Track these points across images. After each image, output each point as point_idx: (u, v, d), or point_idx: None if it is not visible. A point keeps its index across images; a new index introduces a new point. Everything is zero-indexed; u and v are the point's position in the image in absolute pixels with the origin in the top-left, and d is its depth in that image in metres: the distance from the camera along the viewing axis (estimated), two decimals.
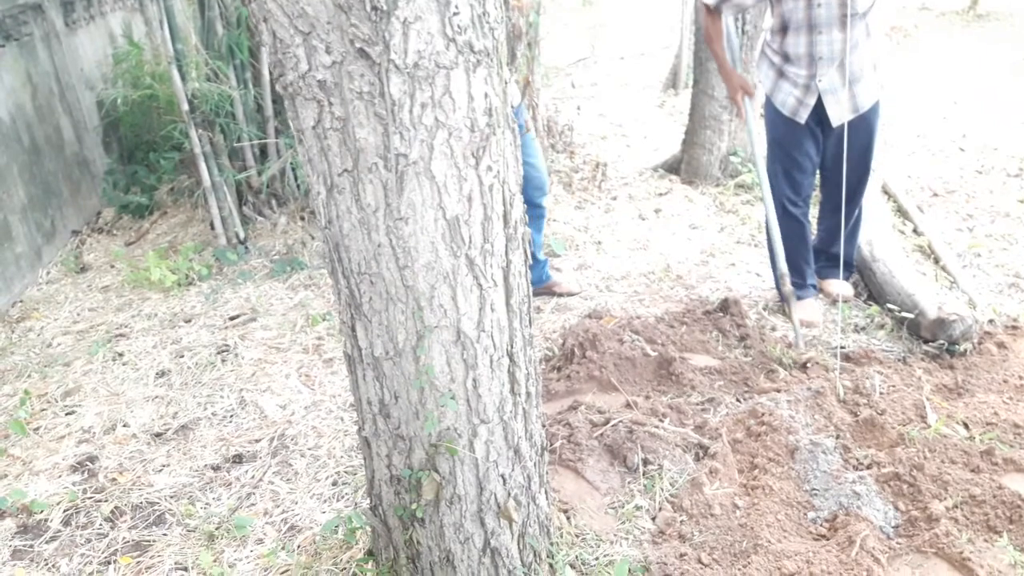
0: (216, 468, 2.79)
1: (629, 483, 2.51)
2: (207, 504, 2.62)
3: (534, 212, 3.52)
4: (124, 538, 2.49)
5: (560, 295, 3.92)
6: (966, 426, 2.66)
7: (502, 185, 1.64)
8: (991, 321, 3.32)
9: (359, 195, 1.52)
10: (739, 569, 2.12)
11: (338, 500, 2.59)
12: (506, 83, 1.59)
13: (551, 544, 2.16)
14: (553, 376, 3.13)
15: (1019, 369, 2.97)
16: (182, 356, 3.50)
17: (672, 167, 5.62)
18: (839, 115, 3.21)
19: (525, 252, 1.82)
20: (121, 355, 3.54)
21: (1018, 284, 3.73)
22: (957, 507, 2.29)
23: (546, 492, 2.13)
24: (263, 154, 4.66)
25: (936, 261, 3.96)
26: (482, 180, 1.58)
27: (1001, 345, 3.12)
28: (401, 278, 1.60)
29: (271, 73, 1.52)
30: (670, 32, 8.25)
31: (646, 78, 8.68)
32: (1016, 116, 6.38)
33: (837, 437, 2.63)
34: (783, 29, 3.16)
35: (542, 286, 3.90)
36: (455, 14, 1.42)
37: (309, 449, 2.84)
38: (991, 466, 2.43)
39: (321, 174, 1.56)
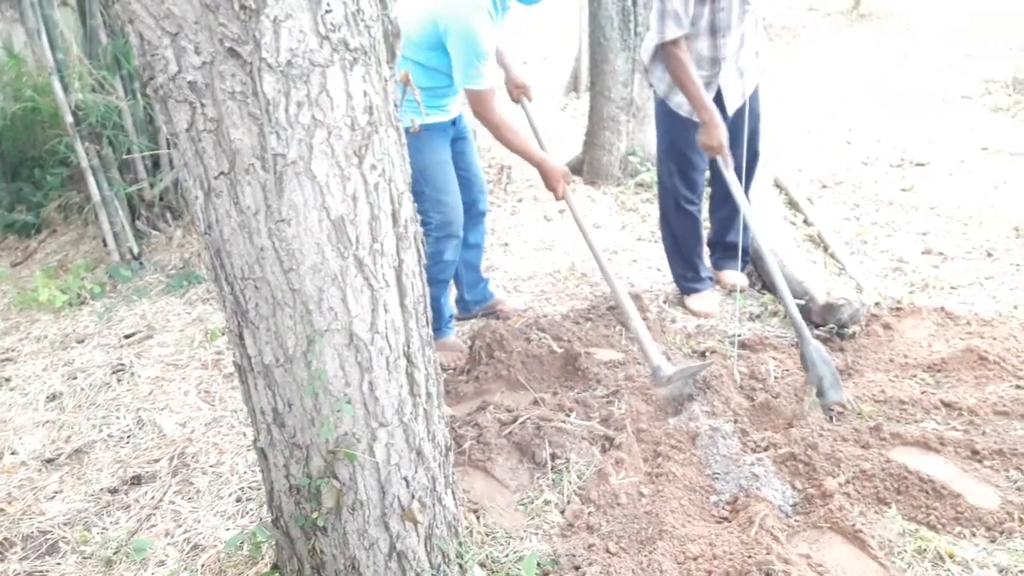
0: (113, 491, 2.68)
1: (538, 479, 2.52)
2: (104, 529, 2.51)
3: (481, 218, 3.43)
4: (15, 570, 2.36)
5: (506, 317, 3.58)
6: (856, 404, 2.78)
7: (388, 184, 1.62)
8: (877, 304, 3.48)
9: (238, 198, 1.49)
10: (645, 555, 2.16)
11: (242, 516, 2.52)
12: (387, 81, 1.58)
13: (460, 544, 2.15)
14: (462, 378, 3.12)
15: (904, 349, 3.13)
16: (75, 378, 3.35)
17: (575, 168, 5.68)
18: (733, 103, 3.33)
19: (418, 251, 1.81)
20: (8, 380, 3.36)
21: (902, 268, 3.92)
22: (849, 482, 2.39)
23: (453, 492, 2.12)
24: (155, 166, 4.51)
25: (825, 249, 4.13)
26: (367, 179, 1.56)
27: (887, 327, 3.27)
28: (287, 282, 1.57)
29: (140, 76, 1.47)
30: (570, 37, 8.36)
31: (548, 82, 8.77)
32: (898, 109, 6.72)
33: (735, 422, 2.71)
34: (689, 36, 3.23)
35: (486, 305, 3.65)
36: (327, 11, 1.40)
37: (211, 466, 2.76)
38: (879, 441, 2.55)
39: (197, 178, 1.52)
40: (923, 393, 2.81)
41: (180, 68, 1.40)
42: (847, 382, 2.93)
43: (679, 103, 3.38)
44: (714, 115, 3.14)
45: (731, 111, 3.36)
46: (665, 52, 3.18)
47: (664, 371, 2.77)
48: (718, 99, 3.34)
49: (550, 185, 3.07)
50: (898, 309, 3.42)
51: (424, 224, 2.94)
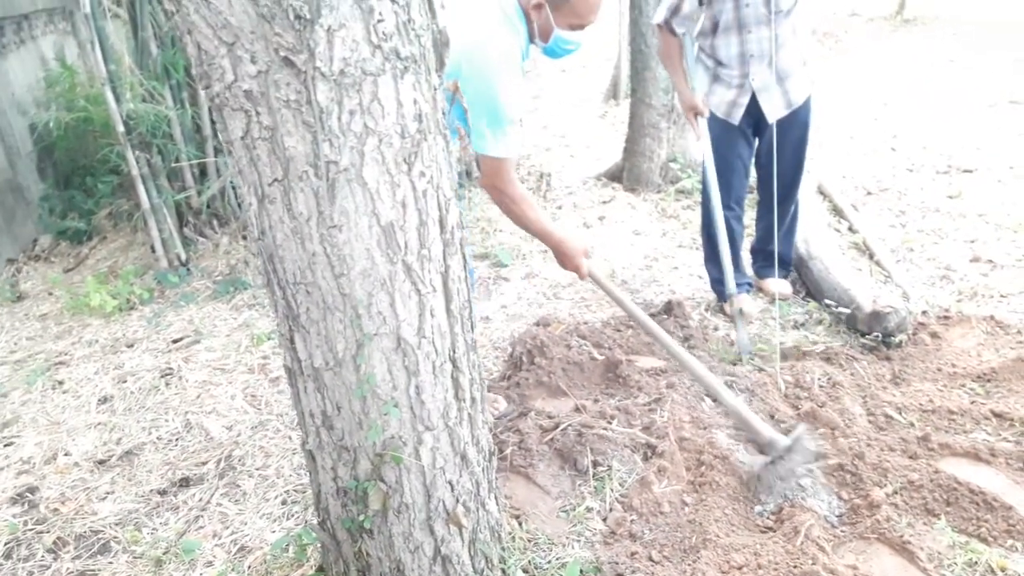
0: (163, 492, 2.73)
1: (580, 486, 2.52)
2: (154, 529, 2.56)
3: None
4: (68, 569, 2.42)
5: (546, 324, 3.53)
6: (903, 414, 2.73)
7: (436, 190, 1.64)
8: (924, 312, 3.42)
9: (291, 204, 1.52)
10: (689, 564, 2.15)
11: (288, 519, 2.56)
12: (435, 89, 1.60)
13: (503, 550, 2.16)
14: (503, 384, 3.13)
15: (952, 358, 3.07)
16: (125, 381, 3.43)
17: (614, 175, 5.69)
18: (773, 111, 3.30)
19: (463, 257, 1.83)
20: (61, 383, 3.45)
21: (949, 276, 3.85)
22: (897, 493, 2.35)
23: (496, 497, 2.13)
24: (203, 174, 4.60)
25: (871, 257, 4.07)
26: (415, 186, 1.58)
27: (934, 335, 3.22)
28: (337, 286, 1.59)
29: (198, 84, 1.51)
30: (610, 45, 8.37)
31: (587, 90, 8.79)
32: (943, 115, 6.61)
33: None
34: (713, 31, 3.25)
35: None
36: (379, 21, 1.43)
37: (257, 469, 2.80)
38: (928, 451, 2.51)
39: (252, 185, 1.56)
40: (973, 403, 2.76)
41: (236, 77, 1.43)
42: (894, 391, 2.89)
43: (716, 104, 3.38)
44: (679, 85, 3.44)
45: (771, 119, 3.33)
46: (659, 33, 3.45)
47: (779, 444, 2.45)
48: (754, 105, 3.32)
49: (572, 265, 2.67)
50: (946, 318, 3.36)
51: None
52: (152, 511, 2.65)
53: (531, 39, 2.44)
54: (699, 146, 3.48)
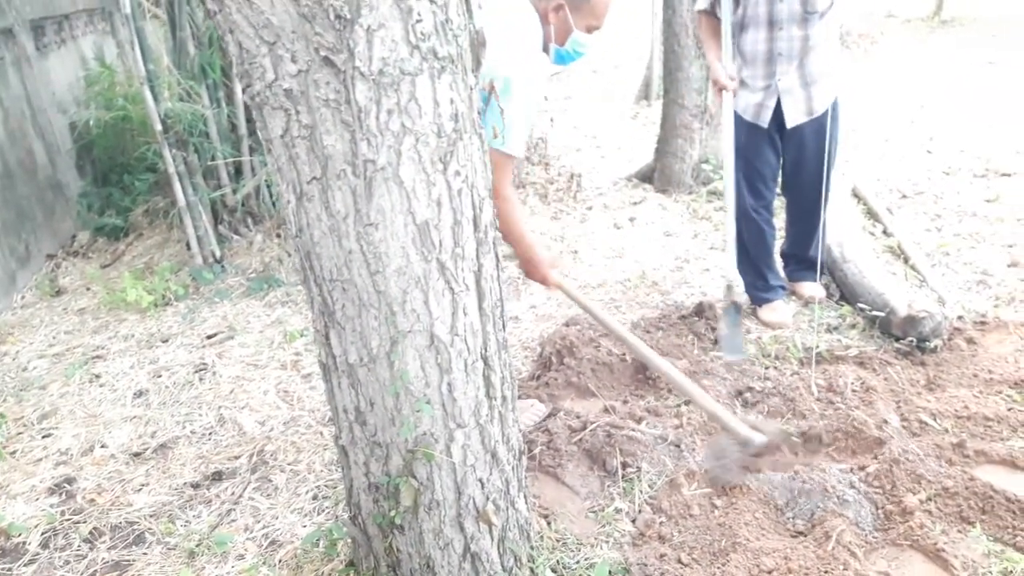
0: (196, 486, 2.77)
1: (608, 487, 2.52)
2: (187, 522, 2.60)
3: None
4: (103, 559, 2.46)
5: None
6: (938, 420, 2.70)
7: (471, 189, 1.66)
8: (960, 317, 3.37)
9: (328, 202, 1.54)
10: (718, 568, 2.14)
11: (319, 514, 2.58)
12: (471, 89, 1.61)
13: (532, 548, 2.17)
14: (532, 384, 3.14)
15: (988, 364, 3.02)
16: (160, 376, 3.48)
17: (646, 176, 5.67)
18: (795, 117, 3.27)
19: (496, 256, 1.84)
20: (98, 376, 3.51)
21: (986, 281, 3.79)
22: (931, 499, 2.32)
23: (525, 496, 2.14)
24: (238, 173, 4.66)
25: (906, 261, 4.02)
26: (450, 185, 1.60)
27: (970, 341, 3.17)
28: (373, 284, 1.61)
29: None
30: (642, 45, 8.34)
31: (619, 90, 8.78)
32: (981, 118, 6.50)
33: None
34: (742, 27, 3.22)
35: None
36: (418, 21, 1.44)
37: (289, 464, 2.83)
38: (963, 458, 2.47)
39: (290, 183, 1.58)
40: (1009, 410, 2.71)
41: (277, 76, 1.45)
42: (929, 397, 2.85)
43: (744, 107, 3.36)
44: (711, 61, 3.38)
45: (790, 124, 3.30)
46: (700, 17, 3.50)
47: (755, 441, 2.44)
48: (779, 112, 3.29)
49: (539, 274, 2.61)
50: (983, 323, 3.31)
51: None
52: (185, 504, 2.68)
53: (544, 43, 2.43)
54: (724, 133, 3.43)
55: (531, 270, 2.62)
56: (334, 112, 1.46)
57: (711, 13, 3.40)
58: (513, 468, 2.04)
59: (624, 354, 3.20)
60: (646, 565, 2.15)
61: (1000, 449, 2.48)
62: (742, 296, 3.56)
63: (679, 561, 2.18)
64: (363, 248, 1.57)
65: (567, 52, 2.46)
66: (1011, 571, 2.08)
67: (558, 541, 2.29)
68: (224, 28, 1.50)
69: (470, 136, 1.62)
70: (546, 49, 2.43)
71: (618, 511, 2.42)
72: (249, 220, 4.71)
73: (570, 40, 2.41)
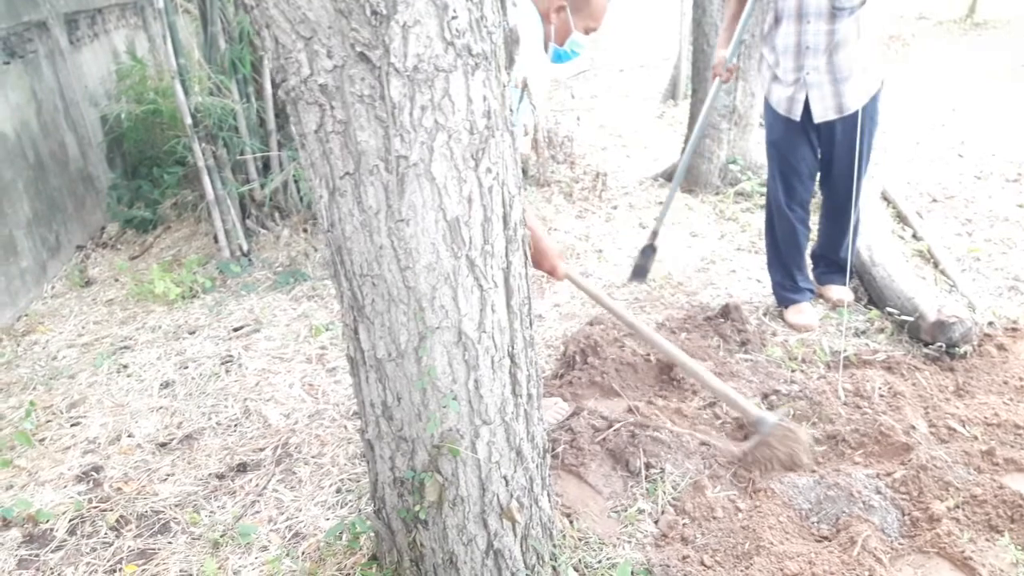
0: (221, 477, 2.80)
1: (631, 487, 2.51)
2: (212, 512, 2.63)
3: None
4: (129, 547, 2.49)
5: None
6: (967, 427, 2.67)
7: (501, 187, 1.66)
8: (991, 323, 3.33)
9: (361, 197, 1.55)
10: (741, 571, 2.13)
11: (342, 507, 2.60)
12: (504, 86, 1.61)
13: (554, 547, 2.17)
14: (556, 382, 3.14)
15: (1019, 370, 2.98)
16: (186, 367, 3.52)
17: (672, 176, 5.64)
18: (822, 112, 3.25)
19: (525, 254, 1.84)
20: (126, 367, 3.55)
21: (1017, 287, 3.74)
22: (959, 507, 2.29)
23: (548, 494, 2.14)
24: (266, 167, 4.70)
25: (935, 265, 3.98)
26: (481, 182, 1.60)
27: (1001, 347, 3.13)
28: (403, 279, 1.62)
29: (273, 82, 1.55)
30: (669, 44, 8.30)
31: (645, 89, 8.74)
32: (1014, 122, 6.41)
33: (839, 439, 2.64)
34: (777, 19, 3.24)
35: None
36: (453, 18, 1.44)
37: (313, 457, 2.85)
38: (992, 466, 2.44)
39: (323, 178, 1.59)
40: None
41: (312, 71, 1.46)
42: (958, 403, 2.82)
43: (777, 100, 3.34)
44: (718, 46, 3.53)
45: (817, 119, 3.28)
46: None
47: (768, 420, 2.52)
48: (808, 104, 3.27)
49: (548, 264, 2.57)
50: (1014, 329, 3.26)
51: None
52: (210, 494, 2.71)
53: (544, 42, 2.44)
54: (760, 148, 3.47)
55: (539, 259, 2.56)
56: (368, 108, 1.46)
57: None
58: (537, 466, 2.04)
59: (648, 354, 3.19)
60: (668, 566, 2.15)
61: None
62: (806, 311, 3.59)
63: (702, 563, 2.17)
64: (394, 244, 1.58)
65: (564, 52, 2.49)
66: None
67: (580, 540, 2.29)
68: (261, 23, 1.51)
69: (502, 133, 1.63)
70: (545, 48, 2.45)
71: (641, 512, 2.41)
72: (276, 215, 4.75)
73: (569, 40, 2.43)
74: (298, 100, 1.53)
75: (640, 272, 3.97)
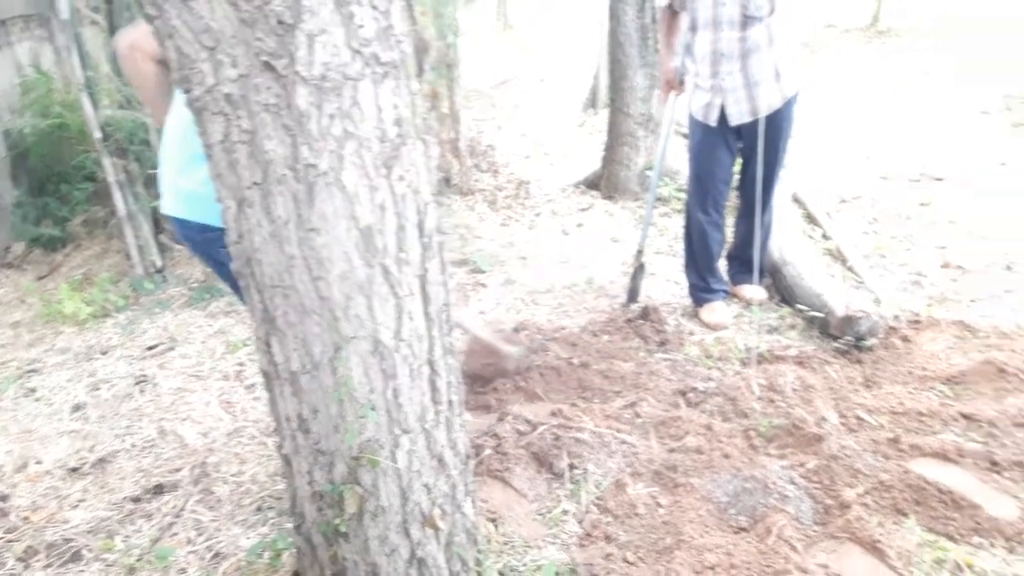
0: (136, 500, 2.72)
1: (556, 488, 2.54)
2: (127, 537, 2.54)
3: None
4: None
5: None
6: (874, 416, 2.78)
7: (415, 194, 1.66)
8: (896, 317, 3.48)
9: (269, 208, 1.53)
10: (663, 565, 2.17)
11: (263, 525, 2.55)
12: (415, 95, 1.62)
13: (479, 552, 2.17)
14: (481, 390, 3.15)
15: (922, 361, 3.13)
16: (98, 389, 3.40)
17: (593, 183, 5.74)
18: (737, 115, 3.36)
19: (442, 261, 1.84)
20: (33, 391, 3.42)
21: (920, 282, 3.93)
22: (868, 493, 2.39)
23: (472, 501, 2.14)
24: None
25: (843, 263, 4.14)
26: (394, 189, 1.60)
27: (905, 339, 3.28)
28: (315, 290, 1.60)
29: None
30: (589, 54, 8.43)
31: (567, 99, 8.84)
32: (917, 125, 6.72)
33: (754, 432, 2.72)
34: (693, 28, 3.33)
35: None
36: (360, 27, 1.45)
37: (232, 476, 2.79)
38: (898, 452, 2.55)
39: (231, 188, 1.56)
40: (942, 405, 2.81)
41: (217, 81, 1.44)
42: (866, 394, 2.94)
43: (696, 107, 3.44)
44: (662, 58, 3.66)
45: (734, 122, 3.39)
46: (662, 12, 3.66)
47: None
48: (724, 109, 3.38)
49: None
50: (917, 322, 3.43)
51: None
52: (125, 518, 2.63)
53: None
54: (677, 154, 3.56)
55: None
56: (275, 117, 1.45)
57: (672, 8, 3.52)
58: (460, 473, 2.04)
59: (571, 358, 3.23)
60: (592, 565, 2.17)
61: (933, 443, 2.56)
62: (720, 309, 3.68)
63: (625, 560, 2.20)
64: (305, 254, 1.56)
65: None
66: (943, 560, 2.15)
67: (505, 544, 2.30)
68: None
69: (414, 141, 1.63)
70: None
71: (565, 513, 2.43)
72: None
73: None
74: (203, 110, 1.51)
75: (634, 294, 3.91)
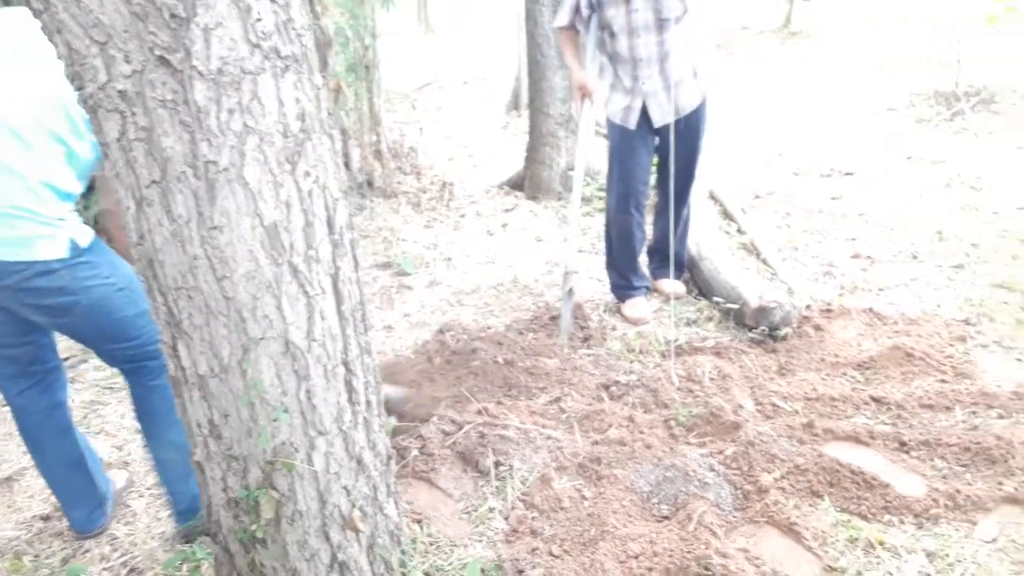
0: (46, 518, 2.61)
1: (482, 486, 2.53)
2: (36, 556, 2.44)
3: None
4: None
5: None
6: (789, 402, 2.86)
7: (323, 190, 1.63)
8: (808, 306, 3.60)
9: (170, 206, 1.49)
10: (588, 556, 2.18)
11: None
12: (318, 89, 1.60)
13: (403, 553, 2.15)
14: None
15: (834, 348, 3.24)
16: (4, 405, 3.25)
17: (516, 184, 5.76)
18: (660, 117, 3.42)
19: (355, 259, 1.82)
20: None
21: (831, 272, 4.06)
22: (784, 477, 2.46)
23: (395, 501, 2.12)
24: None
25: (758, 256, 4.25)
26: (300, 186, 1.57)
27: (818, 328, 3.38)
28: (220, 290, 1.56)
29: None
30: (510, 56, 8.47)
31: (489, 101, 8.87)
32: (828, 122, 6.96)
33: (674, 422, 2.77)
34: (611, 35, 3.36)
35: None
36: (258, 20, 1.42)
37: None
38: (812, 437, 2.63)
39: (129, 188, 1.51)
40: (853, 390, 2.91)
41: (110, 77, 1.40)
42: (780, 381, 3.02)
43: (613, 111, 3.48)
44: (572, 69, 3.57)
45: (658, 123, 3.45)
46: (560, 32, 3.62)
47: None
48: (647, 114, 3.43)
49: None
50: (828, 311, 3.54)
51: None
52: (34, 538, 2.52)
53: None
54: (598, 154, 3.58)
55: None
56: (172, 113, 1.41)
57: (571, 28, 3.52)
58: (381, 474, 2.02)
59: (497, 357, 3.23)
60: (518, 560, 2.18)
61: (845, 426, 2.65)
62: (576, 283, 3.66)
63: (550, 554, 2.22)
64: (208, 253, 1.52)
65: None
66: (856, 538, 2.22)
67: (431, 544, 2.28)
68: (51, 28, 1.43)
69: (319, 136, 1.60)
70: None
71: (491, 510, 2.43)
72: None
73: None
74: (97, 108, 1.46)
75: (567, 327, 3.55)
